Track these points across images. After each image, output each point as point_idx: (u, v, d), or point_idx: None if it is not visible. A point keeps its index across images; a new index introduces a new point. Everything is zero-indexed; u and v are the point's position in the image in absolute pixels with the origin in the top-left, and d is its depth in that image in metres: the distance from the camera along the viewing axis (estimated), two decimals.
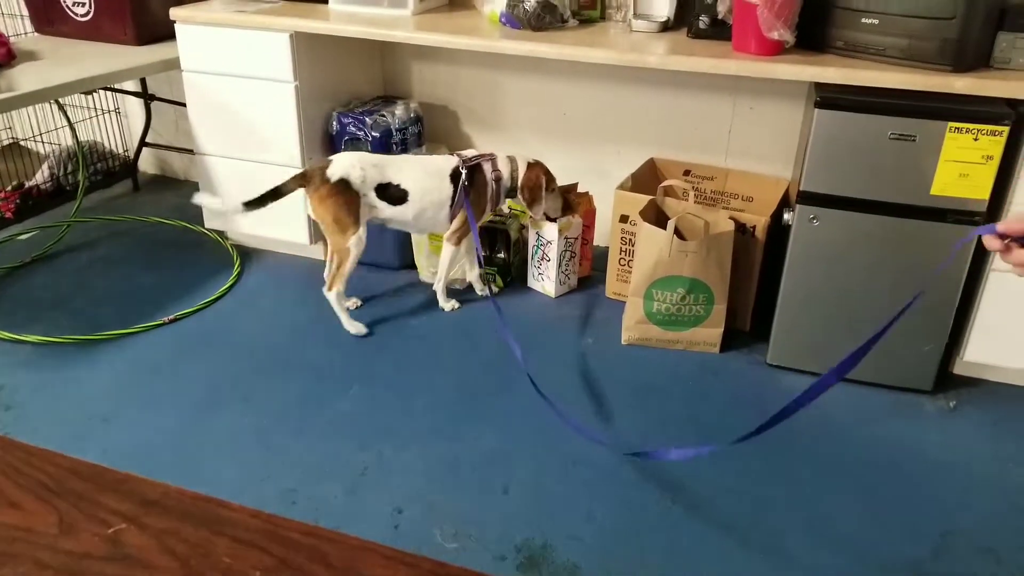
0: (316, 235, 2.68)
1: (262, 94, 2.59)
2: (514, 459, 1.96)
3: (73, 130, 3.14)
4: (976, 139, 1.91)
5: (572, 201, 2.61)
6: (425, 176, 2.36)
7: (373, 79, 3.01)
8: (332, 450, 1.98)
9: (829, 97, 2.01)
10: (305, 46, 2.54)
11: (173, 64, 2.72)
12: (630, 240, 2.53)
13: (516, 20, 2.41)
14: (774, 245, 2.36)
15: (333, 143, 2.73)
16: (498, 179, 2.44)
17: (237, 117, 2.66)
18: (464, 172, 2.37)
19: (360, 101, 2.83)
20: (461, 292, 2.69)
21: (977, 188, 1.96)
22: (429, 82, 3.02)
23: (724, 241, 2.30)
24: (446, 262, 2.53)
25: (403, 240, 2.75)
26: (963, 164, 1.94)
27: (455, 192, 2.37)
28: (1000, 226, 0.95)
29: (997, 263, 2.05)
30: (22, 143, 3.55)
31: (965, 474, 1.96)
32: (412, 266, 2.78)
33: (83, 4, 2.88)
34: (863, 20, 2.03)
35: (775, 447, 1.98)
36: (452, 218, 2.43)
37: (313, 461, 1.94)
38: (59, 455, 0.77)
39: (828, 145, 2.04)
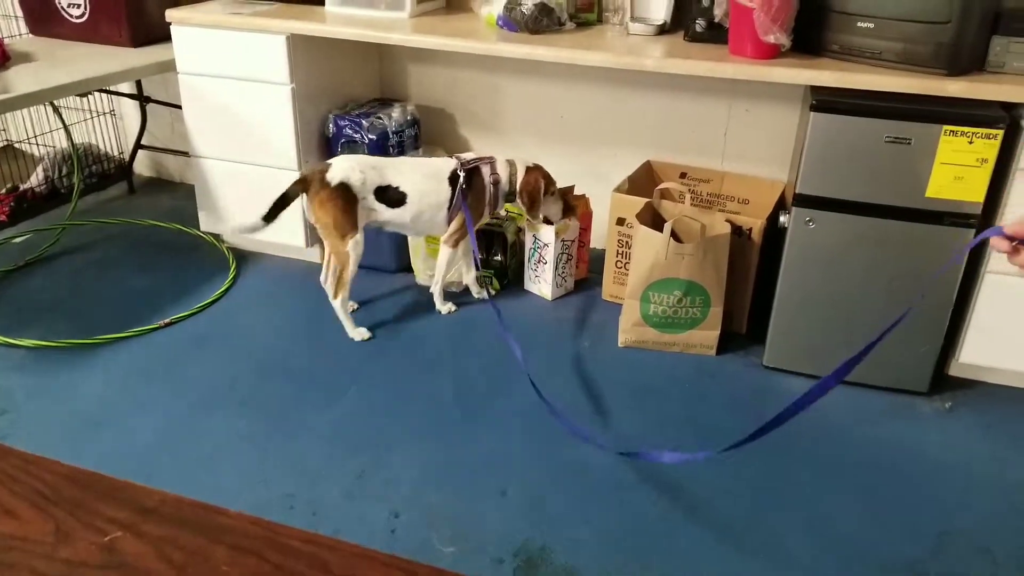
0: (312, 238, 2.68)
1: (258, 96, 2.58)
2: (511, 462, 1.96)
3: (68, 132, 3.13)
4: (971, 142, 1.92)
5: (571, 203, 2.61)
6: (423, 178, 2.36)
7: (370, 81, 3.01)
8: (329, 454, 1.97)
9: (825, 100, 2.01)
10: (301, 48, 2.53)
11: (169, 66, 2.71)
12: (626, 243, 2.53)
13: (513, 23, 2.41)
14: (770, 248, 2.36)
15: (329, 146, 2.73)
16: (496, 182, 2.43)
17: (233, 119, 2.65)
18: (462, 175, 2.37)
19: (357, 103, 2.83)
20: (458, 295, 2.69)
21: (972, 191, 1.97)
22: (426, 85, 3.02)
23: (720, 244, 2.30)
24: (443, 265, 2.53)
25: (400, 243, 2.74)
26: (958, 167, 1.95)
27: (453, 195, 2.37)
28: (1008, 228, 0.98)
29: (992, 265, 2.06)
30: (16, 145, 3.54)
31: (963, 475, 1.97)
32: (409, 269, 2.78)
33: (78, 5, 2.87)
34: (859, 24, 2.04)
35: (773, 449, 1.98)
36: (450, 221, 2.42)
37: (310, 465, 1.94)
38: (55, 462, 0.76)
39: (824, 148, 2.05)
